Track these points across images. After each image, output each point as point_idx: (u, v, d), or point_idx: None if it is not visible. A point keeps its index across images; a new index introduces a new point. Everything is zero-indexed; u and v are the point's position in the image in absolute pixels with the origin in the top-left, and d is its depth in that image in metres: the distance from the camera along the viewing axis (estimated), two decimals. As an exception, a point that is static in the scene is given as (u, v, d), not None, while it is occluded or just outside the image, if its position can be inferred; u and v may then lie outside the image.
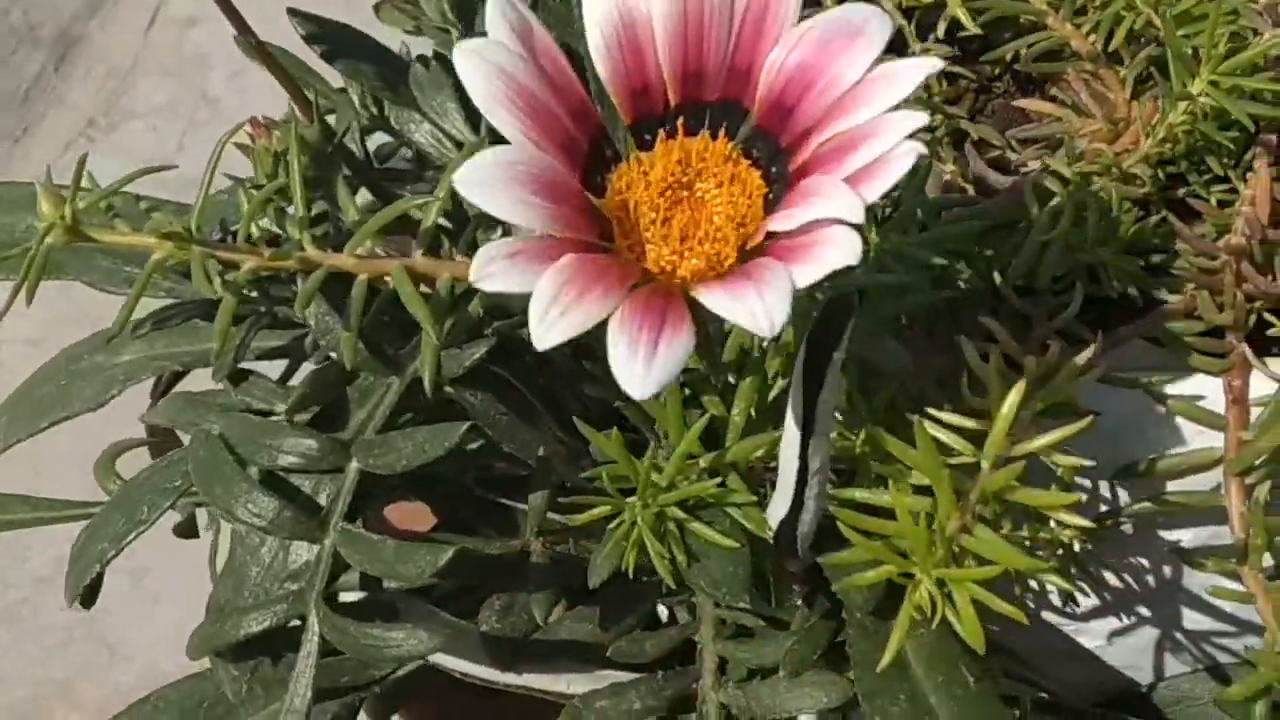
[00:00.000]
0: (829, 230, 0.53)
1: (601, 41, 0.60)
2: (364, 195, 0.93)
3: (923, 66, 0.56)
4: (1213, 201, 0.79)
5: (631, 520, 0.72)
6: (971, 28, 0.91)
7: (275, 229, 0.86)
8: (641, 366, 0.52)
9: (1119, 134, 0.80)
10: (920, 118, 0.54)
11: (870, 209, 0.71)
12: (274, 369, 0.96)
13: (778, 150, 0.60)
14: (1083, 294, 0.76)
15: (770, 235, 0.57)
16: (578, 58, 0.61)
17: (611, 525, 0.72)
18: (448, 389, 0.82)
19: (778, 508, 0.72)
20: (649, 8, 0.60)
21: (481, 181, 0.54)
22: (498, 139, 0.57)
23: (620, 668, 0.85)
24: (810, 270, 0.53)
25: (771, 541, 0.73)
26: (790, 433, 0.68)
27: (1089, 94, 0.82)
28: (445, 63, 0.89)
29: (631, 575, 0.73)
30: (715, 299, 0.53)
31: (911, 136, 0.54)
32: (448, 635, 0.77)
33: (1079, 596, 0.84)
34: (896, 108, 0.56)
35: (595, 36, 0.60)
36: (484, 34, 0.58)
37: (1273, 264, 0.76)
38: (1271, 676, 0.72)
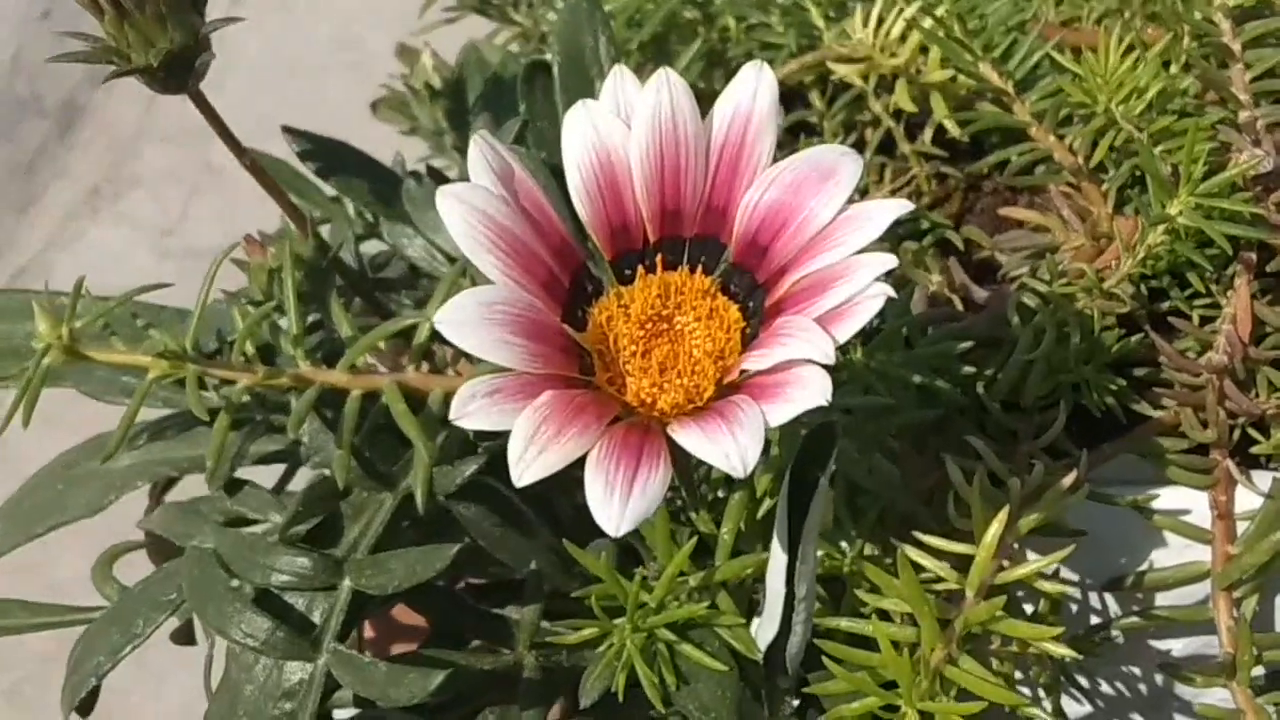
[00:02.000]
0: (801, 370, 0.54)
1: (580, 183, 0.61)
2: (358, 305, 0.94)
3: (892, 209, 0.57)
4: (1195, 318, 0.80)
5: (621, 643, 0.72)
6: (959, 136, 0.92)
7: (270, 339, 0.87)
8: (617, 506, 0.53)
9: (1100, 250, 0.81)
10: (889, 260, 0.55)
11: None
12: (272, 472, 0.97)
13: (755, 285, 0.61)
14: (1067, 411, 0.77)
15: (744, 372, 0.57)
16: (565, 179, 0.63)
17: (601, 649, 0.72)
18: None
19: (766, 631, 0.72)
20: (626, 151, 0.61)
21: (461, 322, 0.55)
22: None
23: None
24: (783, 410, 0.54)
25: (761, 662, 0.74)
26: (776, 559, 0.69)
27: (1071, 209, 0.83)
28: (437, 177, 0.90)
29: (622, 697, 0.73)
30: (690, 438, 0.54)
31: (882, 278, 0.55)
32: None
33: (1073, 704, 0.84)
34: (868, 248, 0.56)
35: (574, 177, 0.61)
36: (467, 176, 0.59)
37: (1255, 381, 0.77)
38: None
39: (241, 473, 0.91)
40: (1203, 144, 0.78)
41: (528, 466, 0.53)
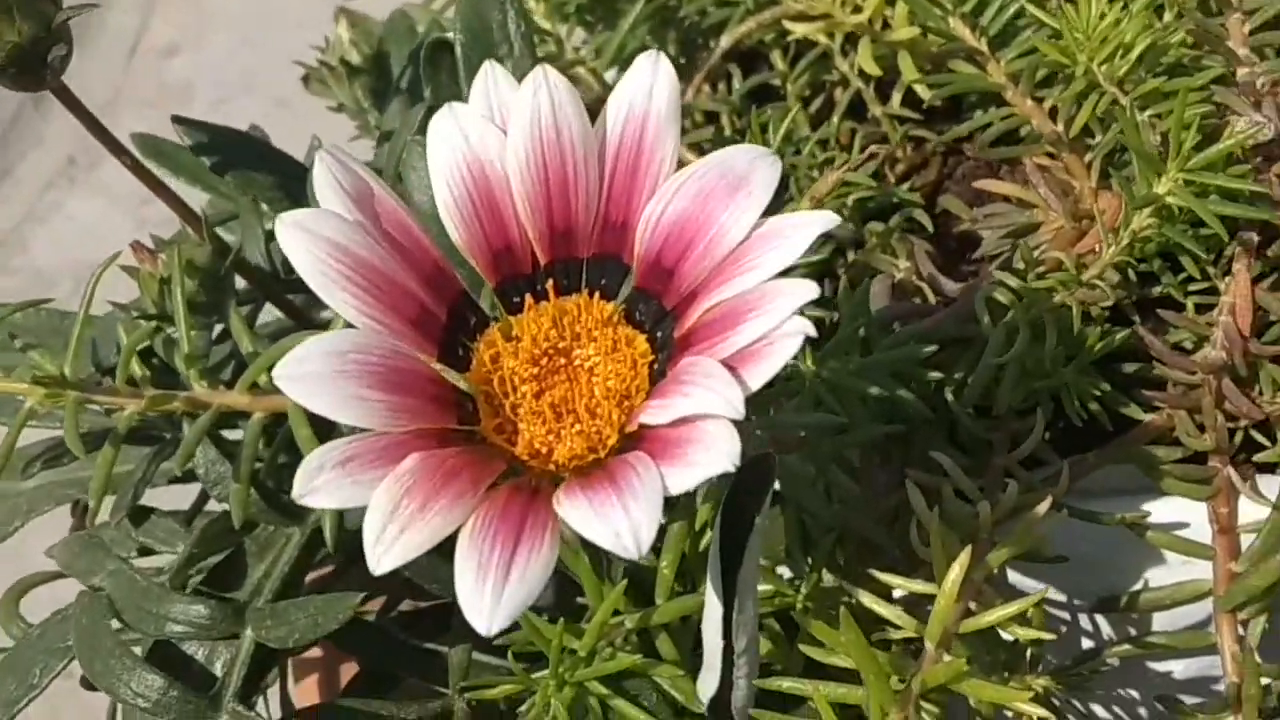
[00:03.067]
0: (706, 426, 0.46)
1: (452, 201, 0.52)
2: (269, 312, 0.86)
3: (815, 224, 0.48)
4: (1189, 307, 0.71)
5: (544, 701, 0.64)
6: (930, 100, 0.84)
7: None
8: (490, 597, 0.45)
9: (1082, 233, 0.72)
10: (809, 289, 0.46)
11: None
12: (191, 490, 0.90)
13: (663, 313, 0.53)
14: (1046, 418, 0.69)
15: (642, 424, 0.49)
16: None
17: (523, 708, 0.64)
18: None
19: (707, 683, 0.64)
20: (504, 163, 0.52)
21: (306, 377, 0.47)
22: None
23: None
24: (683, 475, 0.45)
25: (706, 714, 0.66)
26: (712, 608, 0.60)
27: (1050, 183, 0.74)
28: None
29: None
30: (578, 513, 0.46)
31: (801, 311, 0.46)
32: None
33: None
34: (788, 271, 0.48)
35: (444, 195, 0.52)
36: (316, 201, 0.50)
37: (1258, 378, 0.68)
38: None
39: (159, 493, 0.84)
40: (1195, 107, 0.69)
41: (386, 550, 0.46)
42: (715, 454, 0.45)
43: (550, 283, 0.54)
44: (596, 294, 0.54)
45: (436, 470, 0.47)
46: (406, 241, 0.51)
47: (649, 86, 0.52)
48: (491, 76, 0.53)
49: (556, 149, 0.52)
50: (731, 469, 0.44)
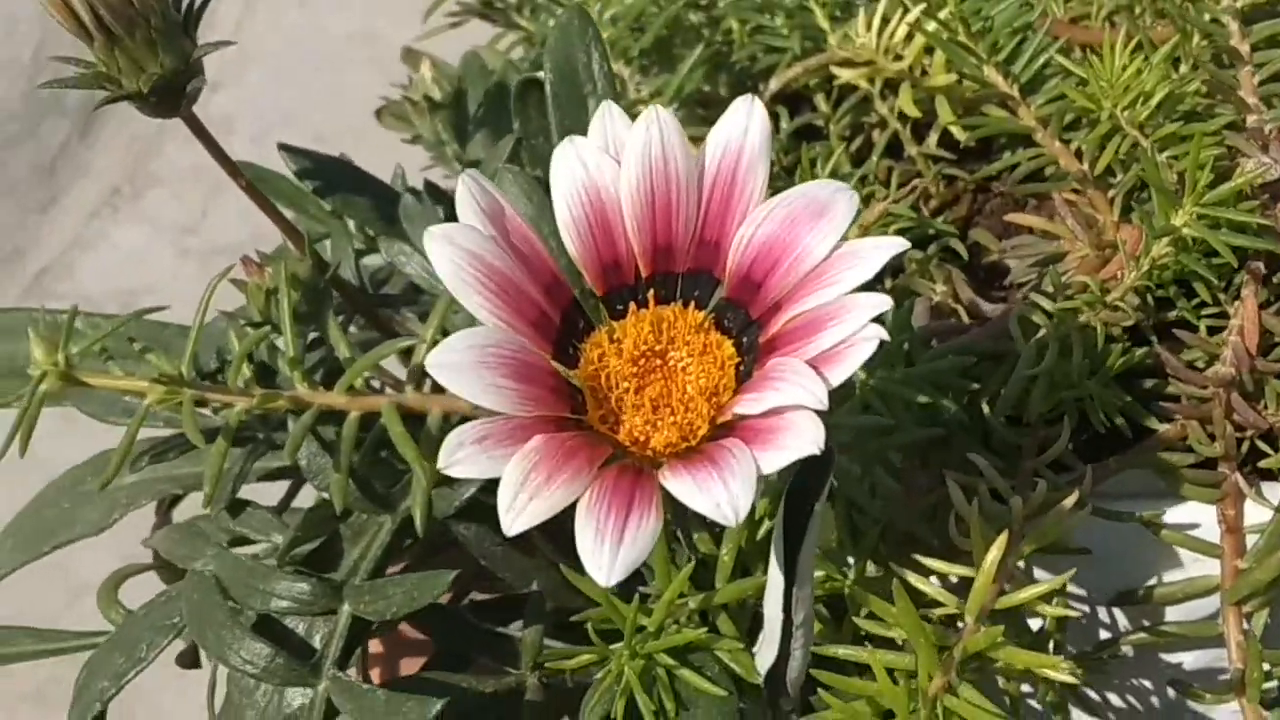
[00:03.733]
0: (794, 416, 0.53)
1: (570, 220, 0.60)
2: (359, 322, 0.94)
3: (887, 247, 0.56)
4: (1202, 328, 0.78)
5: (619, 669, 0.71)
6: (965, 141, 0.91)
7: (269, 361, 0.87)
8: (608, 555, 0.52)
9: (1105, 260, 0.80)
10: (884, 301, 0.54)
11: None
12: (278, 487, 0.97)
13: (749, 321, 0.60)
14: (1072, 425, 0.76)
15: (736, 415, 0.57)
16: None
17: (599, 675, 0.72)
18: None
19: (765, 655, 0.71)
20: (616, 188, 0.60)
21: (452, 366, 0.54)
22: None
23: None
24: (775, 457, 0.53)
25: (762, 685, 0.73)
26: (774, 584, 0.68)
27: (1076, 217, 0.82)
28: (435, 193, 0.89)
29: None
30: (682, 487, 0.53)
31: (877, 320, 0.54)
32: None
33: (1084, 717, 0.84)
34: (863, 287, 0.56)
35: (564, 214, 0.60)
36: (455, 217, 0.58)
37: (1263, 393, 0.76)
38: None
39: (248, 489, 0.91)
40: (1209, 150, 0.77)
41: (518, 515, 0.53)
42: (803, 439, 0.53)
43: (651, 293, 0.61)
44: (690, 304, 0.62)
45: (558, 450, 0.55)
46: (530, 254, 0.59)
47: (744, 126, 0.60)
48: (609, 114, 0.61)
49: (663, 177, 0.60)
50: (818, 452, 0.52)
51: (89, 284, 1.97)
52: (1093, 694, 0.85)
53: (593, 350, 0.60)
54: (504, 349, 0.55)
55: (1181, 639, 0.78)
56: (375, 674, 1.03)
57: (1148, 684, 0.84)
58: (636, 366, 0.60)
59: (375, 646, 1.05)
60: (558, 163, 0.60)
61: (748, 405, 0.55)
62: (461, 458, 0.53)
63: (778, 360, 0.55)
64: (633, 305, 0.61)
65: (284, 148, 0.90)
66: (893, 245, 0.56)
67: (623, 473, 0.55)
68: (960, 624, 0.68)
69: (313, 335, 0.90)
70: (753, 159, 0.60)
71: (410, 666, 0.98)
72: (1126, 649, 0.79)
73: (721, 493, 0.52)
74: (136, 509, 0.93)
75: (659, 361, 0.60)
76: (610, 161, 0.60)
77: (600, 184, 0.60)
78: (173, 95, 0.74)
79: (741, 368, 0.60)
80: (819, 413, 0.53)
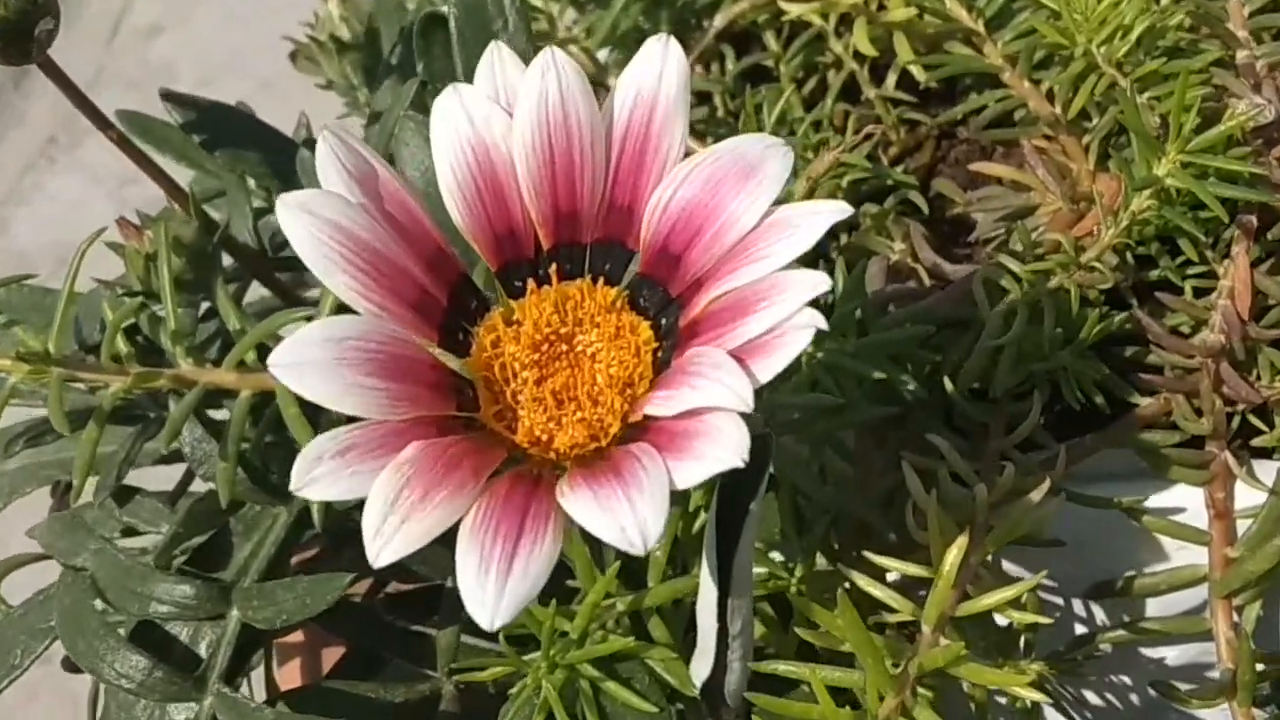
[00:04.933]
0: (714, 419, 0.45)
1: (455, 183, 0.51)
2: (255, 290, 0.85)
3: (826, 214, 0.47)
4: (1187, 291, 0.71)
5: (535, 684, 0.63)
6: (926, 81, 0.83)
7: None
8: (493, 590, 0.44)
9: (1080, 215, 0.72)
10: (822, 281, 0.46)
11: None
12: (175, 471, 0.89)
13: (668, 300, 0.52)
14: (1043, 400, 0.69)
15: (648, 415, 0.48)
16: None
17: (514, 690, 0.64)
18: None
19: (700, 667, 0.64)
20: (509, 145, 0.51)
21: (303, 365, 0.46)
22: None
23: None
24: (691, 469, 0.45)
25: (700, 697, 0.65)
26: (707, 591, 0.60)
27: (1047, 166, 0.73)
28: (339, 145, 0.80)
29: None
30: (582, 507, 0.45)
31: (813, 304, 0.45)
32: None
33: (1058, 716, 0.76)
34: (797, 262, 0.47)
35: (447, 177, 0.51)
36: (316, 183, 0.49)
37: (1256, 363, 0.68)
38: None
39: (144, 474, 0.83)
40: (1195, 90, 0.69)
41: (386, 542, 0.45)
42: (723, 448, 0.44)
43: (553, 267, 0.53)
44: (600, 279, 0.53)
45: (438, 459, 0.46)
46: (408, 223, 0.50)
47: (659, 71, 0.51)
48: (497, 56, 0.52)
49: (563, 132, 0.51)
50: (740, 464, 0.44)
51: (24, 238, 1.92)
52: (1068, 691, 0.77)
53: (486, 335, 0.52)
54: (370, 341, 0.47)
55: (1165, 635, 0.70)
56: (293, 667, 0.96)
57: (1127, 680, 0.77)
58: (538, 353, 0.52)
59: (298, 636, 0.98)
60: (438, 116, 0.51)
61: (660, 405, 0.47)
62: (318, 475, 0.45)
63: (697, 350, 0.47)
64: (532, 282, 0.53)
65: (168, 96, 0.81)
66: (833, 211, 0.47)
67: (515, 484, 0.47)
68: (918, 633, 0.60)
69: (205, 306, 0.82)
70: (670, 109, 0.51)
71: (330, 656, 0.91)
72: (1105, 646, 0.72)
73: (627, 515, 0.44)
74: (21, 497, 0.86)
75: (564, 347, 0.52)
76: (500, 113, 0.51)
77: (489, 140, 0.51)
78: (19, 39, 0.65)
79: (660, 354, 0.51)
80: (744, 415, 0.44)
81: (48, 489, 0.88)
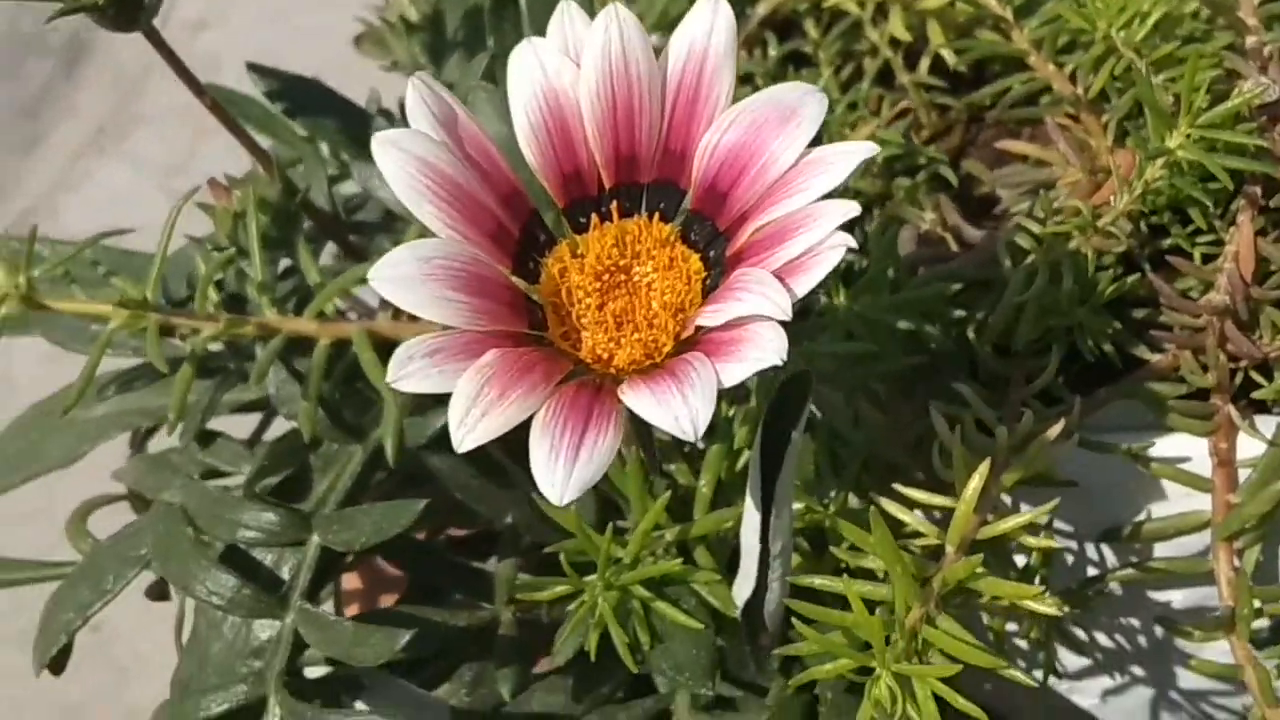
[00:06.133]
0: (756, 327, 0.51)
1: (529, 127, 0.58)
2: (332, 249, 0.91)
3: (857, 152, 0.53)
4: (1196, 256, 0.76)
5: (593, 601, 0.69)
6: (956, 65, 0.88)
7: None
8: (561, 472, 0.50)
9: (1098, 185, 0.77)
10: (851, 207, 0.52)
11: (841, 268, 0.69)
12: (251, 420, 0.95)
13: (716, 233, 0.58)
14: (1061, 355, 0.74)
15: (699, 327, 0.54)
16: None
17: (572, 606, 0.70)
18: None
19: (742, 589, 0.69)
20: (576, 92, 0.57)
21: (399, 279, 0.52)
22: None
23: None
24: (736, 369, 0.51)
25: (740, 618, 0.71)
26: (750, 515, 0.66)
27: (1069, 141, 0.79)
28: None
29: (595, 656, 0.71)
30: (640, 401, 0.51)
31: (844, 227, 0.51)
32: (413, 712, 0.76)
33: (1070, 655, 0.81)
34: (831, 195, 0.53)
35: (522, 121, 0.58)
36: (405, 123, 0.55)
37: (1258, 322, 0.73)
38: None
39: (220, 421, 0.89)
40: (1206, 72, 0.74)
41: (469, 431, 0.51)
42: (765, 349, 0.50)
43: (614, 205, 0.59)
44: (656, 216, 0.59)
45: (513, 364, 0.52)
46: (486, 164, 0.57)
47: (709, 26, 0.57)
48: (567, 14, 0.58)
49: (625, 79, 0.57)
50: (779, 363, 0.50)
51: (74, 226, 1.95)
52: (1079, 632, 0.83)
53: (554, 265, 0.58)
54: (454, 261, 0.53)
55: (1170, 576, 0.75)
56: (353, 609, 1.02)
57: (1135, 622, 0.82)
58: (599, 281, 0.58)
59: (354, 582, 1.04)
60: (514, 67, 0.58)
61: (709, 317, 0.53)
62: (411, 371, 0.51)
63: (742, 271, 0.53)
64: (595, 218, 0.59)
65: (253, 68, 0.87)
66: (862, 150, 0.53)
67: (581, 389, 0.53)
68: (942, 556, 0.66)
69: (285, 264, 0.88)
70: (718, 62, 0.57)
71: (387, 602, 0.96)
72: (1114, 586, 0.77)
73: (680, 407, 0.50)
74: (107, 441, 0.92)
75: (623, 276, 0.58)
76: (570, 64, 0.58)
77: (559, 88, 0.58)
78: (130, 6, 0.72)
79: (708, 282, 0.57)
80: (785, 324, 0.50)
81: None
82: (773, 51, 0.97)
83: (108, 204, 1.97)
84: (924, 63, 0.92)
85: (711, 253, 0.58)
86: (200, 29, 2.05)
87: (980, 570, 0.63)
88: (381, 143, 0.54)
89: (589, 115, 0.57)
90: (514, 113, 0.57)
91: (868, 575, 0.68)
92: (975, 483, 0.64)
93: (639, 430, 0.54)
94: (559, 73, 0.58)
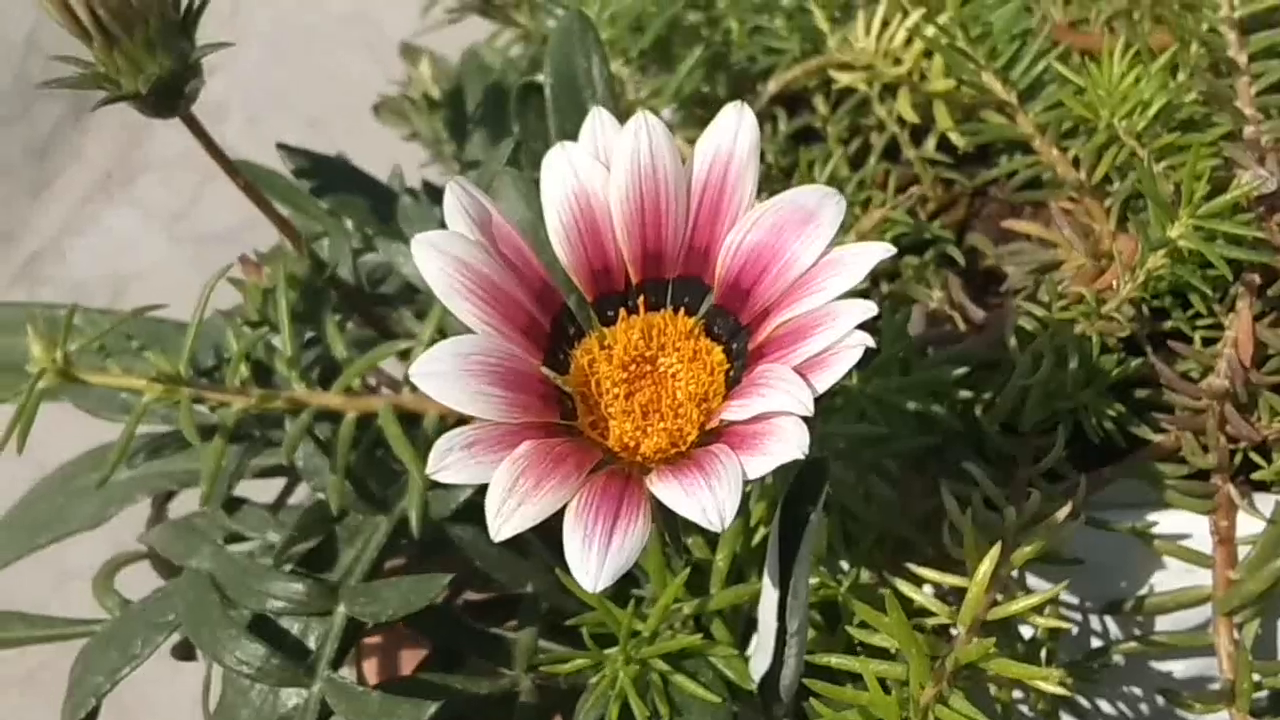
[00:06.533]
0: (779, 421, 0.54)
1: (560, 226, 0.60)
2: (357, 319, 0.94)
3: (873, 254, 0.56)
4: (1196, 340, 0.78)
5: (614, 674, 0.71)
6: (963, 146, 0.91)
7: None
8: (595, 560, 0.53)
9: (1101, 270, 0.80)
10: (869, 308, 0.54)
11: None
12: (273, 484, 0.97)
13: (738, 327, 0.61)
14: (1066, 435, 0.76)
15: (723, 421, 0.57)
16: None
17: (593, 680, 0.72)
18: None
19: (759, 662, 0.72)
20: (606, 195, 0.60)
21: (439, 375, 0.54)
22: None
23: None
24: (761, 463, 0.53)
25: (756, 692, 0.73)
26: (768, 593, 0.68)
27: (1073, 226, 0.81)
28: (433, 194, 0.89)
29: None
30: (670, 493, 0.54)
31: (862, 326, 0.54)
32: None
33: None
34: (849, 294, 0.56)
35: (554, 221, 0.60)
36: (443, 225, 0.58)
37: (1257, 405, 0.76)
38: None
39: (241, 485, 0.91)
40: (1205, 161, 0.76)
41: (506, 520, 0.53)
42: (788, 443, 0.53)
43: (641, 299, 0.62)
44: (680, 310, 0.62)
45: (546, 455, 0.55)
46: (519, 260, 0.59)
47: (734, 132, 0.60)
48: (599, 119, 0.61)
49: (652, 182, 0.60)
50: (801, 456, 0.52)
51: (80, 269, 1.97)
52: (1083, 700, 0.85)
53: (583, 356, 0.61)
54: (490, 356, 0.56)
55: (1172, 648, 0.78)
56: (371, 665, 1.03)
57: (1138, 691, 0.84)
58: (627, 372, 0.60)
59: (374, 638, 1.05)
60: (548, 169, 0.61)
61: (735, 411, 0.55)
62: (450, 463, 0.54)
63: (765, 366, 0.56)
64: (623, 311, 0.62)
65: (282, 147, 0.90)
66: (878, 252, 0.56)
67: (611, 478, 0.56)
68: (952, 633, 0.68)
69: (308, 336, 0.90)
70: (742, 166, 0.60)
71: (408, 657, 0.98)
72: (1118, 657, 0.79)
73: (708, 498, 0.52)
74: (131, 504, 0.93)
75: (649, 367, 0.61)
76: (600, 168, 0.61)
77: (590, 190, 0.60)
78: (171, 96, 0.75)
79: (731, 374, 0.60)
80: (806, 418, 0.53)
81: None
82: (783, 127, 1.00)
83: (114, 248, 1.99)
84: (930, 141, 0.95)
85: (734, 345, 0.61)
86: (207, 74, 2.08)
87: (992, 652, 0.65)
88: (421, 244, 0.56)
89: (618, 216, 0.60)
90: (546, 213, 0.60)
91: (880, 653, 0.70)
92: (986, 565, 0.66)
93: (665, 517, 0.57)
94: (590, 175, 0.61)
